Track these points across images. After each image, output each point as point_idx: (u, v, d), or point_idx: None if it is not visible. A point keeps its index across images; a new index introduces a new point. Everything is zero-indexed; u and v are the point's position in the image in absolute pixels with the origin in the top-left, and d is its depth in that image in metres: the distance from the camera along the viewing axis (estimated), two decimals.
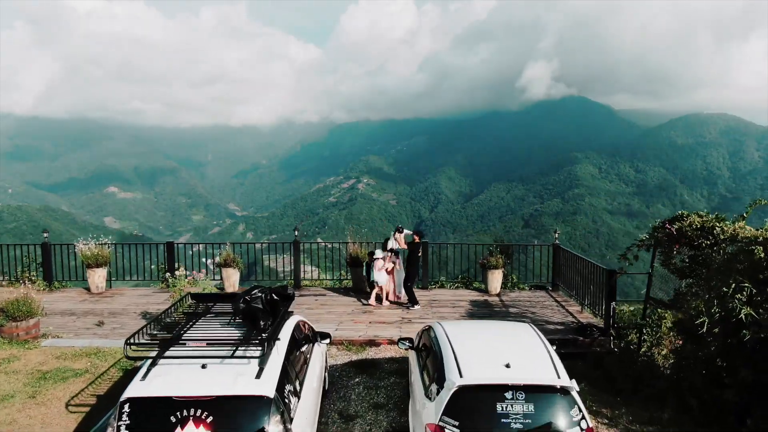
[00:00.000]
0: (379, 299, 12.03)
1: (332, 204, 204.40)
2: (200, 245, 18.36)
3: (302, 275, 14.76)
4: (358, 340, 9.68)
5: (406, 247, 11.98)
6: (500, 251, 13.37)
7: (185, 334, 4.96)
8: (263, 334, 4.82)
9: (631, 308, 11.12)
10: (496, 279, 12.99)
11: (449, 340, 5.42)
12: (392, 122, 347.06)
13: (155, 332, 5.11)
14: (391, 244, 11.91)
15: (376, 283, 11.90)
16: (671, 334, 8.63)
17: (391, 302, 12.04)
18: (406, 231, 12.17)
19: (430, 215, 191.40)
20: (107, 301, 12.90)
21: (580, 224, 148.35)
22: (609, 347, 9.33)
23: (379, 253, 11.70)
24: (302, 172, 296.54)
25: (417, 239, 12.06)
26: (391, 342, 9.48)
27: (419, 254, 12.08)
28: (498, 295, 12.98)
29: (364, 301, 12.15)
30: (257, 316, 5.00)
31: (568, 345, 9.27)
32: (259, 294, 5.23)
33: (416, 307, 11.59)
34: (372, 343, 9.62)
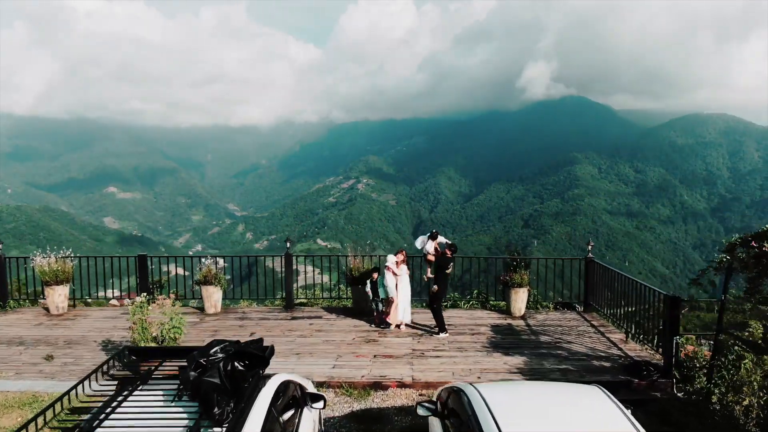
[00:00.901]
0: (382, 320, 10.34)
1: (332, 204, 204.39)
2: (176, 258, 16.54)
3: (296, 292, 13.09)
4: (360, 382, 8.07)
5: (433, 258, 9.99)
6: (524, 266, 11.62)
7: (108, 420, 3.19)
8: (219, 428, 3.15)
9: (686, 339, 8.93)
10: (520, 299, 11.25)
11: (494, 418, 3.77)
12: (392, 122, 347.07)
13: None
14: (420, 244, 10.28)
15: (380, 302, 10.27)
16: (754, 379, 6.92)
17: (400, 326, 10.26)
18: (440, 238, 10.17)
19: (429, 215, 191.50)
20: (67, 325, 11.05)
21: (580, 224, 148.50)
22: (671, 392, 7.87)
23: (390, 258, 10.09)
24: (302, 172, 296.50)
25: (449, 253, 9.98)
26: (401, 385, 8.02)
27: (449, 270, 9.95)
28: (523, 317, 11.21)
29: (370, 325, 10.48)
30: (210, 397, 3.23)
31: (620, 389, 7.58)
32: (219, 357, 3.48)
33: (443, 335, 9.71)
34: (378, 385, 8.04)
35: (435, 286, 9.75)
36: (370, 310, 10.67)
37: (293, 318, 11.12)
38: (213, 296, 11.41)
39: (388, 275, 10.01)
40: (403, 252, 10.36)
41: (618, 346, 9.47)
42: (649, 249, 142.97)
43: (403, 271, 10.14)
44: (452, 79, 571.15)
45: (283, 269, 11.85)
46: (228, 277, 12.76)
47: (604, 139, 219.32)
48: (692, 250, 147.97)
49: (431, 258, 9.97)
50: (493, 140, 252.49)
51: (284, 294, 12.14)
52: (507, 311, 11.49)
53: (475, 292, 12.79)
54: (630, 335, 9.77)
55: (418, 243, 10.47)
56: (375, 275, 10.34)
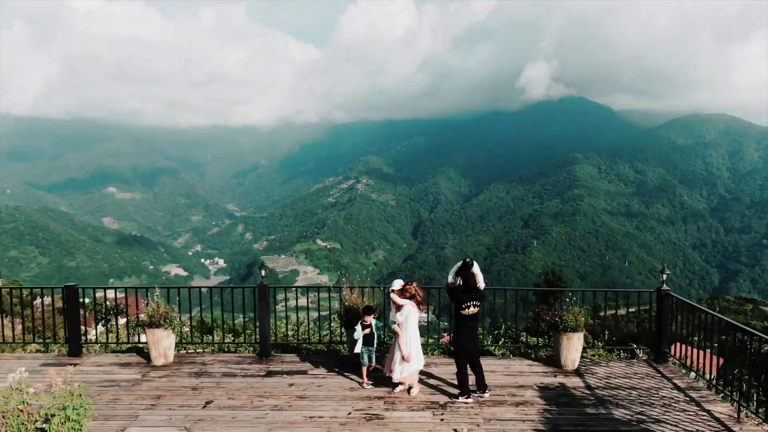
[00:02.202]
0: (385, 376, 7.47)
1: (331, 204, 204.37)
2: (111, 289, 12.72)
3: (274, 327, 10.47)
4: None
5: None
6: (573, 300, 8.96)
7: None
8: None
9: None
10: (574, 347, 8.35)
11: None
12: (391, 122, 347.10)
13: None
14: (450, 277, 7.37)
15: (372, 353, 7.58)
16: None
17: (410, 390, 7.26)
18: (476, 269, 7.29)
19: (429, 216, 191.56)
20: None
21: (580, 225, 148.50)
22: None
23: (396, 284, 7.30)
24: (301, 172, 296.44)
25: (464, 285, 7.31)
26: None
27: (467, 311, 7.09)
28: (578, 372, 8.25)
29: (369, 383, 7.56)
30: None
31: None
32: None
33: (464, 399, 7.06)
34: None
35: (456, 332, 7.27)
36: (364, 362, 7.58)
37: (268, 374, 8.05)
38: (162, 342, 8.46)
39: (394, 306, 7.27)
40: (415, 284, 7.30)
41: (731, 429, 6.32)
42: (649, 249, 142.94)
43: (408, 310, 7.12)
44: (452, 79, 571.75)
45: (257, 303, 8.84)
46: (186, 316, 9.63)
47: (604, 139, 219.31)
48: (692, 250, 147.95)
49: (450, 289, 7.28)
50: (492, 140, 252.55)
51: (257, 339, 9.13)
52: (555, 362, 8.56)
53: (504, 327, 10.13)
54: (743, 409, 6.59)
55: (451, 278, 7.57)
56: (368, 318, 7.49)
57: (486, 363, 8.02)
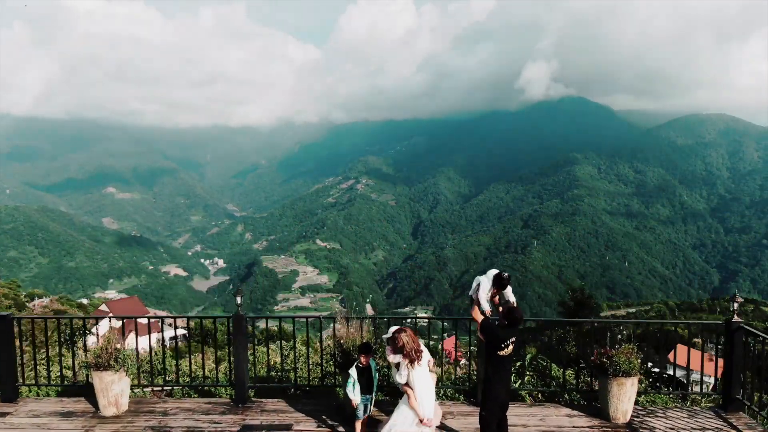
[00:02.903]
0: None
1: (331, 204, 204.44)
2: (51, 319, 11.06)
3: (252, 367, 7.99)
4: None
5: (480, 316, 5.63)
6: (637, 336, 7.37)
7: None
8: None
9: None
10: (626, 395, 6.47)
11: None
12: (391, 123, 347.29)
13: None
14: (484, 302, 6.02)
15: (369, 403, 5.94)
16: None
17: None
18: (509, 293, 6.20)
19: (429, 216, 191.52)
20: None
21: (580, 225, 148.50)
22: None
23: (391, 332, 5.63)
24: (301, 172, 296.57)
25: (503, 317, 5.37)
26: None
27: (504, 352, 5.29)
28: (630, 426, 6.36)
29: None
30: None
31: None
32: None
33: None
34: None
35: (487, 376, 5.39)
36: (359, 416, 5.90)
37: (244, 429, 6.25)
38: (111, 388, 6.78)
39: (393, 358, 5.49)
40: (406, 333, 5.45)
41: None
42: (648, 249, 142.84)
43: (403, 369, 5.46)
44: (452, 79, 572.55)
45: (231, 337, 7.16)
46: (142, 349, 7.98)
47: (604, 139, 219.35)
48: (692, 251, 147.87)
49: (477, 316, 5.62)
50: (492, 140, 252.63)
51: (233, 376, 7.06)
52: (600, 412, 6.67)
53: (529, 356, 8.50)
54: None
55: (483, 301, 6.08)
56: (365, 358, 5.88)
57: (514, 411, 6.29)
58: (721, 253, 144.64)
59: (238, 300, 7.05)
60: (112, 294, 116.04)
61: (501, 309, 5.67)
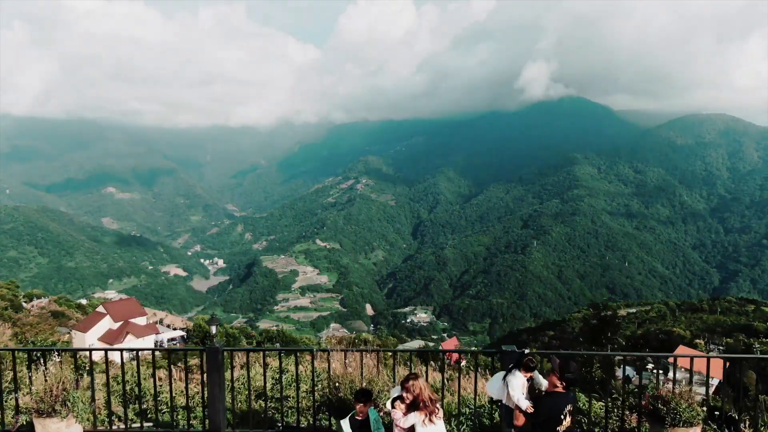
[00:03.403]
0: None
1: (331, 204, 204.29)
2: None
3: (227, 403, 6.40)
4: None
5: (525, 408, 4.88)
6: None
7: None
8: None
9: None
10: None
11: None
12: (391, 123, 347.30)
13: None
14: (522, 402, 4.92)
15: None
16: None
17: None
18: (537, 375, 5.10)
19: (428, 216, 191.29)
20: None
21: (580, 225, 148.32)
22: None
23: (395, 392, 4.75)
24: (301, 172, 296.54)
25: (560, 384, 4.77)
26: None
27: (563, 417, 4.71)
28: None
29: None
30: None
31: None
32: None
33: None
34: None
35: None
36: None
37: None
38: None
39: (407, 420, 4.55)
40: (418, 382, 4.51)
41: None
42: (648, 249, 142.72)
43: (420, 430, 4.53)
44: (451, 79, 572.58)
45: (204, 374, 5.91)
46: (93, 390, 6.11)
47: (604, 139, 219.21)
48: (692, 251, 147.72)
49: (521, 419, 4.81)
50: (492, 140, 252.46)
51: (207, 424, 5.94)
52: None
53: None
54: None
55: (493, 386, 5.20)
56: (361, 407, 4.75)
57: None
58: (721, 253, 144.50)
59: (213, 330, 5.82)
60: (111, 294, 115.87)
61: (538, 392, 4.86)
